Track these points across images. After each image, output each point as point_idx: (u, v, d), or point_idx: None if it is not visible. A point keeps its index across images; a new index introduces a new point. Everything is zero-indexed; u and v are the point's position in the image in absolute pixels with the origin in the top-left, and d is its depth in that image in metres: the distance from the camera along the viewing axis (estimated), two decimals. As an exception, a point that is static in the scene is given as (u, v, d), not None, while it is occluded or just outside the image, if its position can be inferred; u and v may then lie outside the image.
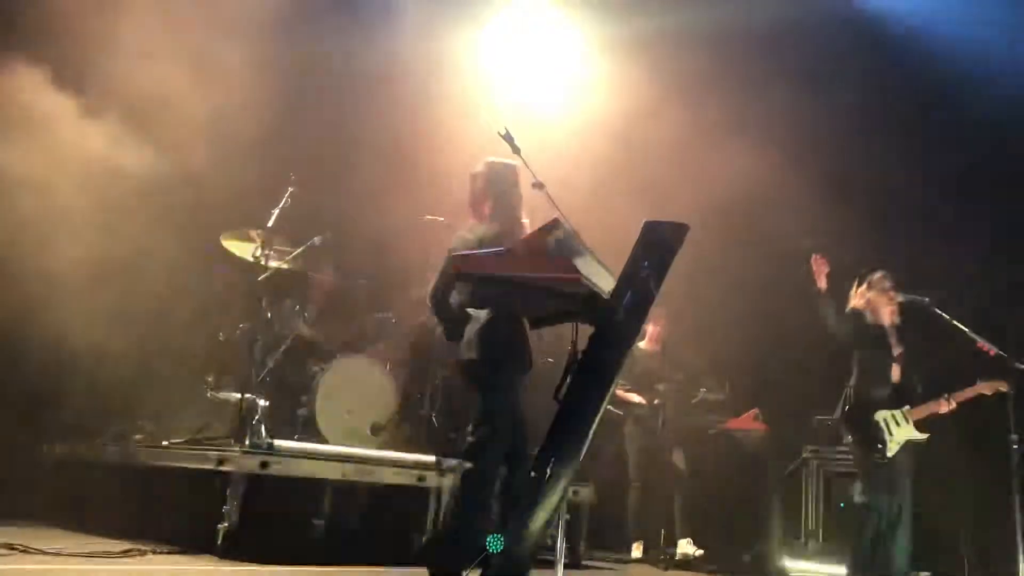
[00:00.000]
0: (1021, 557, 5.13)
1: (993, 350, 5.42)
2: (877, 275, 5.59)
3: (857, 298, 5.60)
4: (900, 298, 5.51)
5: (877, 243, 7.22)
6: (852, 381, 5.49)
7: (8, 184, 5.67)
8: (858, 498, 5.47)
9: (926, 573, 6.09)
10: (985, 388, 5.42)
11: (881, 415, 5.36)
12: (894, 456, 5.30)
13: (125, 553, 4.47)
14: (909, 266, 5.97)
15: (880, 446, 5.28)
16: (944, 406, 5.43)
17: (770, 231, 7.73)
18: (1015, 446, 5.26)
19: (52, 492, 6.04)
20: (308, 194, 6.32)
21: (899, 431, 5.33)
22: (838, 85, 7.62)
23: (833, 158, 7.54)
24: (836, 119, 7.50)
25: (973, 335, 5.48)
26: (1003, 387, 5.37)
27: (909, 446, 5.35)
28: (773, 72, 7.62)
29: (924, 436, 5.38)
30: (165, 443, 5.80)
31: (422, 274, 6.67)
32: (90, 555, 4.35)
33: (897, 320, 5.50)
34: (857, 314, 5.53)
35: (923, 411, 5.40)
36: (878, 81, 7.58)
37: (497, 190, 4.43)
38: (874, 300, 5.52)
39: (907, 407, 5.39)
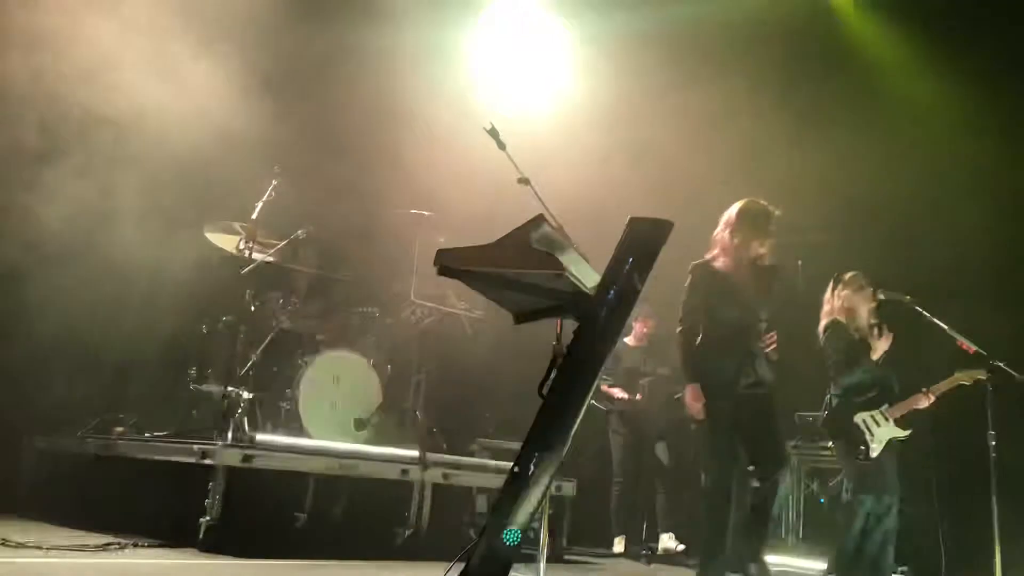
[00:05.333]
0: (998, 554, 5.18)
1: (973, 348, 5.46)
2: (851, 275, 5.58)
3: (833, 301, 5.56)
4: (881, 296, 5.52)
5: (864, 241, 7.26)
6: (831, 386, 5.50)
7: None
8: (845, 497, 5.49)
9: (904, 568, 6.15)
10: (963, 378, 5.45)
11: (860, 417, 5.37)
12: (879, 455, 5.32)
13: (106, 546, 4.45)
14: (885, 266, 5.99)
15: (863, 448, 5.30)
16: (924, 400, 5.45)
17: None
18: (992, 443, 5.31)
19: (33, 485, 6.00)
20: (292, 186, 6.29)
21: (880, 431, 5.34)
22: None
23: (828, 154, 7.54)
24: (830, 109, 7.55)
25: (953, 333, 5.51)
26: (980, 375, 5.40)
27: (893, 443, 5.38)
28: (760, 65, 7.66)
29: (906, 433, 5.40)
30: (147, 436, 5.78)
31: (407, 268, 6.68)
32: (71, 548, 4.33)
33: (875, 319, 5.50)
34: (833, 324, 5.50)
35: (903, 407, 5.42)
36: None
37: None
38: (851, 300, 5.50)
39: (886, 406, 5.41)
